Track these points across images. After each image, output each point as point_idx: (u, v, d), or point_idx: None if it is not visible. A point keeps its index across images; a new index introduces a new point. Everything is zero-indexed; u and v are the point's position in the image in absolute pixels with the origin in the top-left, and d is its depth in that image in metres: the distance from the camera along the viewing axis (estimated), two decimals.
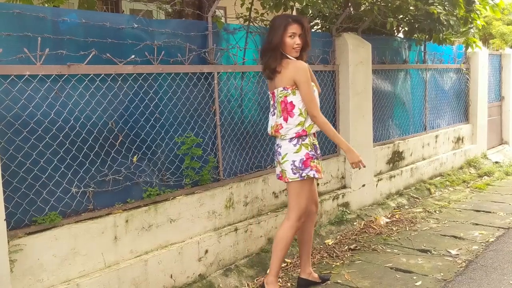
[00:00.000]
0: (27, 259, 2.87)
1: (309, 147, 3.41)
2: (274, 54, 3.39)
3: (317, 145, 3.56)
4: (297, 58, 3.45)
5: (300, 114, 3.38)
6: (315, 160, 3.44)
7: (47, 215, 3.03)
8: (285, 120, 3.40)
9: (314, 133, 3.52)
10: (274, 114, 3.52)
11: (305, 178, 3.40)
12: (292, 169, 3.39)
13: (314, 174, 3.41)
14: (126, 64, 3.40)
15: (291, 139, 3.39)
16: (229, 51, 4.23)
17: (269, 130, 3.57)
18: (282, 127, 3.41)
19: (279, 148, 3.47)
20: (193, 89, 3.92)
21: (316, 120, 3.40)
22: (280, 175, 3.53)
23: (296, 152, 3.38)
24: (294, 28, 3.37)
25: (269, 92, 3.60)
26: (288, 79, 3.37)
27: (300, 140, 3.40)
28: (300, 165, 3.38)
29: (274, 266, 3.51)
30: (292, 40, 3.38)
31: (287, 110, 3.39)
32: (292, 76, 3.35)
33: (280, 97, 3.41)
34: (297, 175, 3.39)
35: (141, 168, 3.57)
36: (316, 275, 3.86)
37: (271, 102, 3.56)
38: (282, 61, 3.39)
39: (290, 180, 3.42)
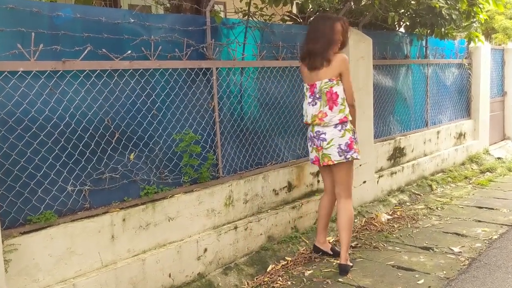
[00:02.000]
0: (22, 259, 2.82)
1: (351, 131, 3.90)
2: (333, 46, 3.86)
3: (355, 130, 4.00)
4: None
5: (342, 103, 3.84)
6: (357, 144, 3.94)
7: (42, 214, 2.98)
8: (330, 108, 3.84)
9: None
10: (315, 104, 3.90)
11: (349, 159, 3.89)
12: (338, 152, 3.87)
13: (357, 156, 3.92)
14: (123, 59, 3.34)
15: (336, 125, 3.86)
16: (228, 46, 4.16)
17: (309, 119, 3.96)
18: (327, 115, 3.85)
19: (323, 135, 3.90)
20: (191, 85, 3.86)
21: (354, 108, 3.93)
22: (315, 160, 4.03)
23: (342, 137, 3.86)
24: (340, 26, 3.85)
25: (306, 84, 3.98)
26: (335, 71, 3.82)
27: (344, 126, 3.87)
28: (346, 148, 3.87)
29: (347, 242, 3.98)
30: (338, 36, 3.86)
31: (333, 99, 3.83)
32: (339, 68, 3.82)
33: (326, 88, 3.84)
34: (343, 157, 3.88)
35: (138, 165, 3.52)
36: (329, 246, 4.30)
37: (308, 94, 3.95)
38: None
39: (336, 162, 3.89)
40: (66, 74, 3.07)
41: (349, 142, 3.87)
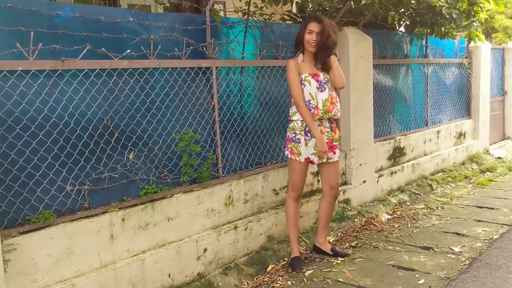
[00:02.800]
0: (21, 258, 2.81)
1: (290, 130, 3.99)
2: (297, 47, 4.00)
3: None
4: (313, 54, 3.95)
5: (293, 103, 3.99)
6: (292, 143, 3.98)
7: (41, 214, 2.96)
8: (291, 105, 4.05)
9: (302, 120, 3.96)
10: None
11: (287, 156, 4.06)
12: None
13: (287, 154, 4.03)
14: (122, 58, 3.33)
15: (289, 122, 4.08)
16: (227, 45, 4.15)
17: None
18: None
19: None
20: (191, 84, 3.84)
21: (298, 108, 3.92)
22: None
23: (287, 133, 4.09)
24: (313, 26, 3.85)
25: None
26: None
27: (289, 123, 4.05)
28: (284, 143, 4.20)
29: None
30: (309, 36, 3.86)
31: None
32: None
33: None
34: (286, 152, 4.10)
35: (137, 165, 3.50)
36: (328, 246, 4.31)
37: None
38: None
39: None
40: (65, 73, 3.06)
41: (286, 139, 4.07)
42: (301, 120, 3.93)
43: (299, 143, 3.96)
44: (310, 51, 3.92)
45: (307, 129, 3.94)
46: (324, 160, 4.00)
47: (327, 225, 4.32)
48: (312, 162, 4.04)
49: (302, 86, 3.90)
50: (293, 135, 3.98)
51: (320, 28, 3.82)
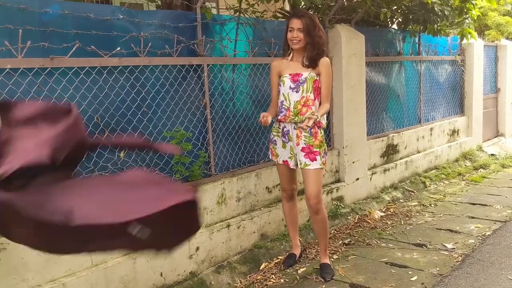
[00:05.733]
0: (11, 258, 2.78)
1: (272, 131, 3.95)
2: (285, 47, 3.84)
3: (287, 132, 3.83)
4: (301, 52, 3.73)
5: None
6: (271, 144, 3.92)
7: None
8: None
9: (280, 120, 3.81)
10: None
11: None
12: None
13: (269, 154, 4.02)
14: (112, 56, 3.30)
15: None
16: (219, 42, 4.13)
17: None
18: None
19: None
20: (182, 82, 3.82)
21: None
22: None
23: None
24: (293, 23, 3.66)
25: None
26: None
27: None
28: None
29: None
30: (290, 33, 3.68)
31: None
32: None
33: None
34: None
35: (128, 163, 3.48)
36: (324, 261, 3.99)
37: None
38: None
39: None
40: (54, 71, 3.03)
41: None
42: (278, 122, 3.81)
43: (275, 144, 3.88)
44: (295, 49, 3.73)
45: (285, 130, 3.79)
46: (301, 166, 3.75)
47: (321, 243, 3.95)
48: (288, 166, 3.87)
49: (279, 87, 3.78)
50: (272, 136, 3.92)
51: (301, 24, 3.62)
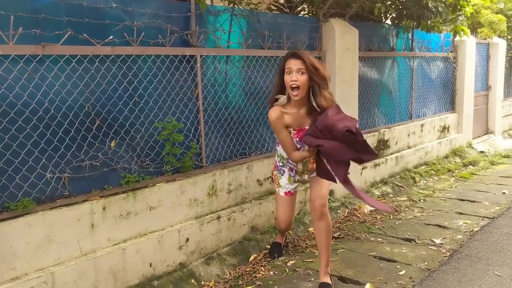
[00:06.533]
0: None
1: (277, 157, 3.75)
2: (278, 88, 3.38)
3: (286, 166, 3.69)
4: (311, 96, 3.32)
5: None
6: (276, 171, 3.75)
7: (20, 201, 2.91)
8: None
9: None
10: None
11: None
12: None
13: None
14: (104, 45, 3.27)
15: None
16: (213, 33, 4.11)
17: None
18: None
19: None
20: (175, 72, 3.80)
21: (290, 158, 3.51)
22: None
23: None
24: (290, 63, 3.21)
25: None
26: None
27: (276, 148, 3.79)
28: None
29: None
30: (288, 76, 3.22)
31: None
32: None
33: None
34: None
35: (119, 153, 3.46)
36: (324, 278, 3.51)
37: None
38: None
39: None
40: (45, 59, 2.99)
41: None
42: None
43: (282, 175, 3.69)
44: (294, 100, 3.28)
45: (292, 166, 3.62)
46: (309, 176, 3.64)
47: (323, 257, 3.49)
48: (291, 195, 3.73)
49: None
50: (280, 164, 3.69)
51: (301, 64, 3.17)
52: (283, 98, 3.31)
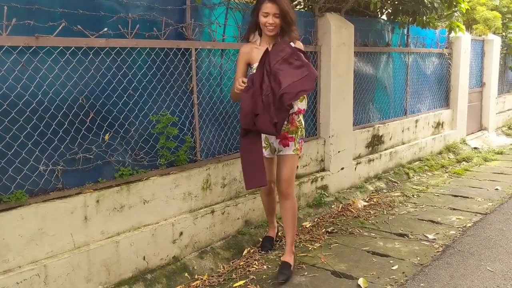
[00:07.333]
0: None
1: None
2: (251, 30, 3.67)
3: None
4: (279, 37, 3.53)
5: None
6: None
7: (13, 194, 2.89)
8: None
9: None
10: None
11: None
12: None
13: None
14: (99, 37, 3.25)
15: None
16: (208, 27, 4.09)
17: None
18: None
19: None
20: (169, 65, 3.78)
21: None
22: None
23: None
24: (267, 8, 3.45)
25: None
26: None
27: None
28: None
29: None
30: (265, 19, 3.48)
31: None
32: None
33: None
34: None
35: (113, 146, 3.44)
36: (286, 260, 3.69)
37: None
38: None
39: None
40: (39, 50, 2.97)
41: None
42: None
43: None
44: (269, 35, 3.52)
45: None
46: (276, 153, 3.72)
47: (288, 235, 3.71)
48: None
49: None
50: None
51: (277, 9, 3.41)
52: (258, 39, 3.65)
